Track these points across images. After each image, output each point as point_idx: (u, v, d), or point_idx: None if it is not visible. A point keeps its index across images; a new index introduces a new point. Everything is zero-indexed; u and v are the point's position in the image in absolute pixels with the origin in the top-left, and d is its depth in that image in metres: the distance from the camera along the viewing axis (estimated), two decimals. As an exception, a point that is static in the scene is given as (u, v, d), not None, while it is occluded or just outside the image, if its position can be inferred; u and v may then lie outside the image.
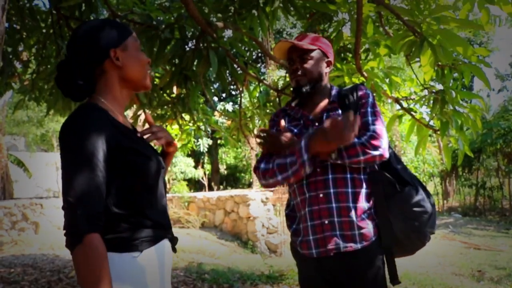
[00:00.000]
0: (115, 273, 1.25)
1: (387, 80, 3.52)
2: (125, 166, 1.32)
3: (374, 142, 1.80)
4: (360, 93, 1.95)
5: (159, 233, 1.39)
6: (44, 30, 3.91)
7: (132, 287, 1.28)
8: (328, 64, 2.04)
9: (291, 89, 2.09)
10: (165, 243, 1.43)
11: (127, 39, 1.44)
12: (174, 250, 1.50)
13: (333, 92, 2.02)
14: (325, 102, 2.02)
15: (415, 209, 1.85)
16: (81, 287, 1.18)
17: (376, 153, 1.79)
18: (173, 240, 1.48)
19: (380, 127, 1.86)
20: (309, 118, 1.99)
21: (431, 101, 3.36)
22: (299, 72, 1.97)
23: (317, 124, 1.95)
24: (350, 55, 3.73)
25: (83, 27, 1.43)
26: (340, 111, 1.94)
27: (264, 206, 9.22)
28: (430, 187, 17.76)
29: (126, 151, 1.32)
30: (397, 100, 3.68)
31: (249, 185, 18.64)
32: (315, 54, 1.98)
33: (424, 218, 1.86)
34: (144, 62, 1.47)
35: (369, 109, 1.91)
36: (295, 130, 1.99)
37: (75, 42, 1.40)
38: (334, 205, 1.83)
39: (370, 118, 1.88)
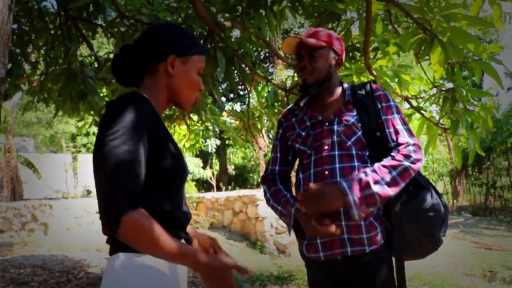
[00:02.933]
0: (132, 275, 1.24)
1: (396, 79, 3.49)
2: (158, 163, 1.29)
3: (418, 156, 1.77)
4: (376, 93, 1.90)
5: (176, 234, 1.36)
6: (52, 31, 3.93)
7: None
8: (339, 61, 1.96)
9: (299, 87, 2.04)
10: None
11: (192, 56, 1.43)
12: None
13: (347, 91, 1.94)
14: (337, 102, 1.94)
15: (429, 214, 1.81)
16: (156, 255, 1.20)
17: (421, 165, 1.78)
18: (188, 241, 1.45)
19: (415, 137, 1.83)
20: (319, 119, 1.92)
21: (441, 100, 3.33)
22: (307, 70, 1.90)
23: (327, 124, 1.88)
24: (359, 54, 3.70)
25: (166, 25, 1.47)
26: (355, 112, 1.88)
27: (272, 207, 9.19)
28: (439, 187, 17.65)
29: (164, 148, 1.31)
30: (406, 99, 3.65)
31: (258, 185, 18.64)
32: (325, 51, 1.90)
33: (438, 223, 1.83)
34: (196, 86, 1.45)
35: (396, 115, 1.86)
36: (303, 133, 1.94)
37: (149, 33, 1.43)
38: (342, 209, 1.78)
39: (403, 127, 1.84)
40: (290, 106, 2.15)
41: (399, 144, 1.80)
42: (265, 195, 2.03)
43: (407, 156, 1.74)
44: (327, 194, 1.71)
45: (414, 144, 1.79)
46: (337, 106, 1.92)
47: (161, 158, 1.30)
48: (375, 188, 1.69)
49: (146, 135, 1.24)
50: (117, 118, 1.21)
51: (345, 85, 1.98)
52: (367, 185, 1.69)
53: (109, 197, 1.13)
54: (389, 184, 1.71)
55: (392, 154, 1.78)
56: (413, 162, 1.74)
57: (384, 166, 1.74)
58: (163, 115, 4.60)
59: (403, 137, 1.81)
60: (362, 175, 1.72)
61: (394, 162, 1.74)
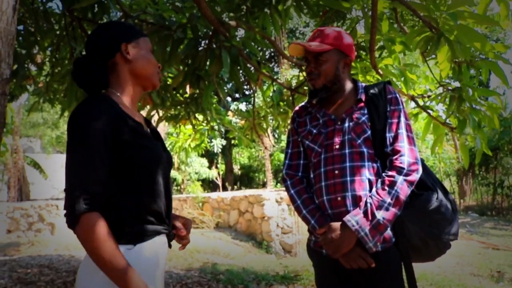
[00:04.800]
0: (94, 276, 1.28)
1: (402, 78, 3.47)
2: (127, 159, 1.34)
3: (413, 167, 1.76)
4: (389, 96, 1.88)
5: (156, 228, 1.41)
6: (57, 32, 3.93)
7: None
8: (348, 62, 1.95)
9: (308, 90, 2.03)
10: (162, 238, 1.44)
11: (139, 38, 1.52)
12: (169, 245, 1.51)
13: (360, 90, 1.93)
14: (349, 100, 1.94)
15: (435, 216, 1.79)
16: (95, 262, 1.24)
17: (417, 175, 1.77)
18: (170, 236, 1.50)
19: (414, 146, 1.81)
20: (331, 118, 1.92)
21: (447, 99, 3.31)
22: (314, 75, 1.90)
23: (339, 123, 1.88)
24: (364, 52, 3.68)
25: (100, 25, 1.54)
26: (366, 111, 1.87)
27: (278, 206, 9.18)
28: (446, 186, 17.53)
29: (129, 144, 1.35)
30: (413, 98, 3.63)
31: (263, 185, 18.64)
32: (331, 54, 1.89)
33: (444, 225, 1.80)
34: (154, 62, 1.53)
35: (401, 120, 1.84)
36: (314, 131, 1.94)
37: (91, 38, 1.49)
38: (351, 208, 1.78)
39: (405, 133, 1.82)
40: (302, 103, 2.14)
41: (394, 152, 1.80)
42: (293, 202, 1.97)
43: (400, 170, 1.75)
44: (340, 239, 1.74)
45: (409, 154, 1.77)
46: (349, 105, 1.92)
47: (130, 156, 1.35)
48: (380, 214, 1.70)
49: (108, 134, 1.31)
50: (76, 122, 1.31)
51: (359, 84, 1.98)
52: (372, 214, 1.71)
53: (69, 197, 1.25)
54: (392, 204, 1.72)
55: (386, 171, 1.78)
56: (407, 174, 1.74)
57: (381, 188, 1.75)
58: (168, 115, 4.59)
59: (401, 143, 1.80)
60: (366, 207, 1.73)
61: (389, 180, 1.74)
